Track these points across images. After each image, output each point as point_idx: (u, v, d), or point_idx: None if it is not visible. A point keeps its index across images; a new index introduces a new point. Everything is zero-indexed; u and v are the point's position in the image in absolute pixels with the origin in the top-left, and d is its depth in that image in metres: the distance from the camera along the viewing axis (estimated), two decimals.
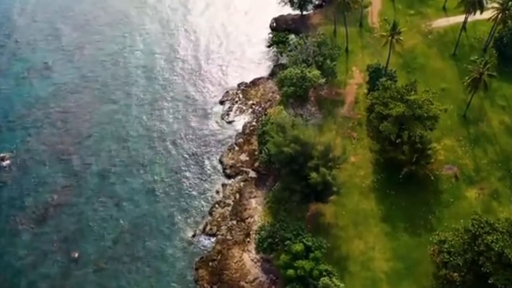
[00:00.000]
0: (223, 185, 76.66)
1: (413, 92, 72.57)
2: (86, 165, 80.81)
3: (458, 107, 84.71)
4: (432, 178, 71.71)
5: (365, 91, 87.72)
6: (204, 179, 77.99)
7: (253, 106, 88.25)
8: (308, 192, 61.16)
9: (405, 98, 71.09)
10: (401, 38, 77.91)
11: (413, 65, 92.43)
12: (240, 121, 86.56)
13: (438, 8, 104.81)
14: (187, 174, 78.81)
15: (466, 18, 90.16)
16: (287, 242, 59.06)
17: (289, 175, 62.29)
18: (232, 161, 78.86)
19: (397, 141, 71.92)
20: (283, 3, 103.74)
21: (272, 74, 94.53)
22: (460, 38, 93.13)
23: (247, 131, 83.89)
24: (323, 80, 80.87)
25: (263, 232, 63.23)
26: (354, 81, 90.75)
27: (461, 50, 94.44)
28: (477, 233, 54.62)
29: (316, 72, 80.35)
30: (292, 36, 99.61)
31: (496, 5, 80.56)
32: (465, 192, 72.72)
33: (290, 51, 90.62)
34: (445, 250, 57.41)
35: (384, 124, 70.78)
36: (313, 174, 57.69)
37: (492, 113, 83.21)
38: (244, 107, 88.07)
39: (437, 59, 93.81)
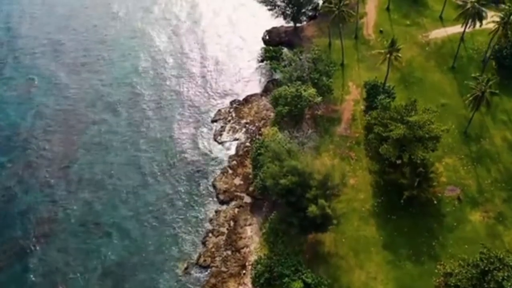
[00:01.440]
0: (217, 212, 73.01)
1: (413, 112, 69.48)
2: (71, 192, 76.77)
3: (459, 123, 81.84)
4: (435, 201, 68.78)
5: (362, 107, 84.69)
6: (196, 206, 74.21)
7: (247, 125, 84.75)
8: (306, 225, 57.83)
9: (406, 119, 67.99)
10: (399, 55, 74.81)
11: (411, 79, 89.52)
12: (233, 141, 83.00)
13: (434, 18, 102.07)
14: (179, 201, 74.97)
15: (464, 31, 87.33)
16: (286, 279, 55.71)
17: (286, 206, 58.96)
18: (226, 186, 75.28)
19: (397, 162, 69.01)
20: (275, 15, 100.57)
21: (266, 91, 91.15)
22: (459, 50, 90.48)
23: (240, 152, 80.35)
24: (319, 99, 77.64)
25: (259, 266, 59.81)
26: (351, 97, 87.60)
27: (459, 62, 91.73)
28: (487, 268, 51.60)
29: (312, 91, 77.08)
30: (286, 50, 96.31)
31: (496, 18, 77.73)
32: (469, 215, 69.77)
33: (284, 66, 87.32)
34: (452, 284, 54.31)
35: (384, 147, 67.63)
36: (312, 208, 54.43)
37: (494, 129, 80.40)
38: (237, 127, 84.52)
39: (436, 72, 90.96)
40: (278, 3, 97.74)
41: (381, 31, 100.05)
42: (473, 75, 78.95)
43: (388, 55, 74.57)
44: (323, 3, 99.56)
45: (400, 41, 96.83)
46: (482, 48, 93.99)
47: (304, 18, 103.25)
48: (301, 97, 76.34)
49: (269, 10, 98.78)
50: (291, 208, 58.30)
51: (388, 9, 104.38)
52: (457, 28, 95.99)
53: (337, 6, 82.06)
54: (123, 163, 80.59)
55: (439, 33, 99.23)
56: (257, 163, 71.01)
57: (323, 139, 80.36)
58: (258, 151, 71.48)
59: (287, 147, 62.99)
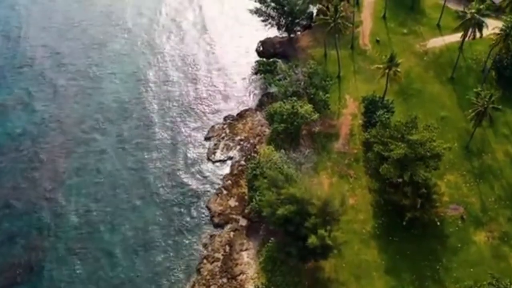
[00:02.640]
0: (211, 236, 70.02)
1: (414, 130, 66.92)
2: (60, 217, 73.51)
3: (459, 137, 79.39)
4: (438, 223, 66.25)
5: (360, 121, 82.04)
6: (189, 230, 71.14)
7: (241, 142, 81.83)
8: (305, 254, 55.11)
9: (406, 138, 65.43)
10: (398, 70, 72.19)
11: (410, 91, 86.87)
12: (228, 160, 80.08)
13: (432, 26, 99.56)
14: (171, 225, 71.90)
15: (463, 42, 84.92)
16: None
17: (284, 235, 56.23)
18: (221, 208, 72.38)
19: (398, 180, 66.48)
20: (269, 26, 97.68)
21: (260, 105, 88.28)
22: (458, 61, 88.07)
23: (235, 171, 77.45)
24: (316, 116, 74.91)
25: None
26: (348, 111, 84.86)
27: (458, 73, 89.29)
28: None
29: (309, 107, 74.37)
30: (280, 62, 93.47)
31: (497, 31, 75.36)
32: (473, 236, 67.33)
33: (279, 80, 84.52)
34: None
35: (384, 167, 65.04)
36: (312, 239, 51.73)
37: (496, 144, 77.96)
38: (231, 144, 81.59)
39: (435, 84, 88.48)
40: (272, 13, 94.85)
41: (377, 41, 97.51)
42: (475, 90, 76.37)
43: (386, 70, 71.75)
44: (317, 14, 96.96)
45: (397, 50, 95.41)
46: (481, 57, 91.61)
47: (298, 28, 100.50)
48: (297, 114, 73.64)
49: (263, 21, 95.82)
50: (289, 237, 55.58)
51: (384, 17, 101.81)
52: (455, 37, 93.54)
53: (332, 18, 79.28)
54: (112, 186, 77.28)
55: (437, 41, 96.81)
56: (253, 185, 68.22)
57: (320, 156, 77.66)
58: (254, 172, 68.69)
59: (284, 172, 60.13)
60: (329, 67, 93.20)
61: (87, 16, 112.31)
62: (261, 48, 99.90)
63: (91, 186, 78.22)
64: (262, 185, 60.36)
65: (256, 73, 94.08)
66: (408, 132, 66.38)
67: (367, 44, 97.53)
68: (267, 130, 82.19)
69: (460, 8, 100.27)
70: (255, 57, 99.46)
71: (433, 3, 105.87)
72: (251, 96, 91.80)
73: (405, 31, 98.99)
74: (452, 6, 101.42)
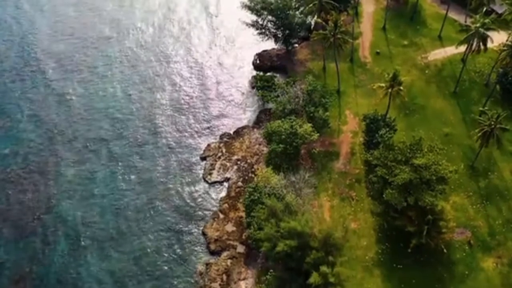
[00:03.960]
0: (207, 264, 66.61)
1: (419, 153, 63.99)
2: (48, 245, 70.05)
3: (464, 155, 76.71)
4: (444, 250, 63.33)
5: (361, 139, 79.15)
6: (184, 258, 67.58)
7: (238, 162, 78.62)
8: None
9: (411, 162, 62.53)
10: (401, 88, 69.29)
11: (412, 106, 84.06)
12: (224, 181, 76.83)
13: (433, 38, 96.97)
14: (165, 252, 68.36)
15: (467, 55, 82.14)
16: None
17: (284, 269, 53.25)
18: (217, 233, 69.15)
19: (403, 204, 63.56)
20: (265, 38, 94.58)
21: (258, 122, 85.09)
22: (461, 75, 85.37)
23: (232, 194, 74.28)
24: (316, 136, 71.91)
25: None
26: (348, 128, 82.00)
27: (461, 86, 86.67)
28: None
29: (308, 127, 71.35)
30: (278, 77, 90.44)
31: (504, 48, 72.63)
32: (481, 262, 64.50)
33: (277, 96, 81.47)
34: None
35: (388, 192, 62.09)
36: (314, 278, 48.74)
37: (502, 162, 75.30)
38: (228, 164, 78.39)
39: (437, 98, 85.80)
40: (269, 25, 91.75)
41: (377, 53, 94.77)
42: (481, 108, 73.68)
43: (389, 89, 68.83)
44: (315, 26, 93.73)
45: (398, 63, 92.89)
46: (484, 70, 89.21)
47: (296, 40, 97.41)
48: (296, 134, 70.60)
49: (259, 34, 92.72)
50: (289, 271, 52.59)
51: (384, 28, 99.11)
52: (457, 48, 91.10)
53: (332, 33, 76.32)
54: (103, 210, 73.75)
55: (438, 53, 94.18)
56: (251, 210, 65.17)
57: (320, 176, 74.72)
58: (251, 197, 65.65)
59: (284, 201, 57.12)
60: (328, 81, 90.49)
61: (61, 29, 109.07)
62: (257, 61, 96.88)
63: (82, 210, 74.55)
64: (260, 215, 57.29)
65: (253, 87, 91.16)
66: (413, 155, 63.49)
67: (367, 56, 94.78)
68: (265, 149, 79.05)
69: (462, 18, 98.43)
70: (251, 70, 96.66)
71: (433, 12, 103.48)
72: (248, 112, 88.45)
73: (405, 42, 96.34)
74: (453, 16, 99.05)
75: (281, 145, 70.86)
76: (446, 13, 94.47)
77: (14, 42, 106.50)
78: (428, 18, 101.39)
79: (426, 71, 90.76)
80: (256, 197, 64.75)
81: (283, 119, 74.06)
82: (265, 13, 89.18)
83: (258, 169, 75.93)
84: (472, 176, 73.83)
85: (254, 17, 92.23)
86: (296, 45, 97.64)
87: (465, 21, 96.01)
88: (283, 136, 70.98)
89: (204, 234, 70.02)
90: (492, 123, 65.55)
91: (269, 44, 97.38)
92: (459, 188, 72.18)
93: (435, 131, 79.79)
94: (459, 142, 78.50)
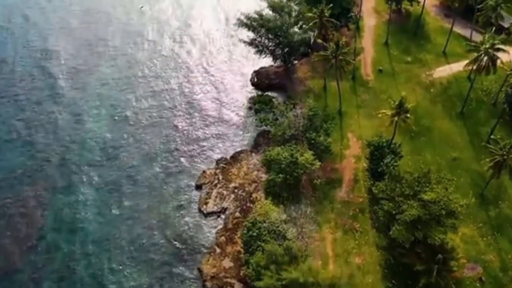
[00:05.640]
0: None
1: (427, 185, 60.19)
2: (35, 281, 65.89)
3: (473, 182, 72.96)
4: None
5: (364, 165, 75.39)
6: None
7: (236, 190, 74.71)
8: None
9: (419, 196, 58.79)
10: (408, 116, 65.50)
11: (417, 128, 79.88)
12: (221, 212, 72.79)
13: (438, 54, 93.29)
14: None
15: (475, 76, 78.38)
16: None
17: None
18: (214, 270, 65.20)
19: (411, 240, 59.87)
20: (263, 55, 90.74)
21: (256, 146, 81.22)
22: (466, 91, 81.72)
23: (229, 225, 70.36)
24: (318, 165, 68.09)
25: None
26: (351, 152, 78.12)
27: (468, 106, 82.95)
28: None
29: (310, 156, 67.51)
30: (276, 97, 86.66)
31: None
32: None
33: (275, 119, 77.66)
34: None
35: (396, 229, 58.38)
36: None
37: None
38: (225, 192, 74.46)
39: (444, 119, 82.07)
40: (267, 43, 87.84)
41: (380, 70, 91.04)
42: (492, 136, 69.99)
43: (395, 118, 65.03)
44: (314, 42, 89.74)
45: (402, 81, 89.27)
46: (491, 88, 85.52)
47: (295, 56, 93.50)
48: (297, 164, 66.80)
49: (257, 52, 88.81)
50: None
51: (386, 43, 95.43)
52: (463, 65, 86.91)
53: (333, 54, 72.51)
54: (93, 244, 69.62)
55: (443, 71, 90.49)
56: (249, 247, 61.36)
57: (322, 206, 70.90)
58: (250, 232, 61.79)
59: (284, 244, 53.33)
60: (329, 101, 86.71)
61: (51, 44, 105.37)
62: (255, 79, 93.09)
63: (71, 243, 70.56)
64: (259, 260, 53.48)
65: (250, 108, 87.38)
66: (421, 189, 59.72)
67: (369, 74, 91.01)
68: (263, 175, 75.14)
69: (467, 32, 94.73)
70: (249, 89, 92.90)
71: (437, 26, 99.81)
72: (246, 134, 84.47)
73: (409, 59, 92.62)
74: (458, 30, 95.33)
75: (280, 175, 67.10)
76: (451, 29, 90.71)
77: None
78: (432, 32, 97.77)
79: (431, 90, 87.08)
80: (255, 233, 60.91)
81: (282, 146, 70.27)
82: (263, 30, 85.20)
83: (256, 198, 72.24)
84: (482, 205, 70.11)
85: (251, 34, 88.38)
86: (296, 61, 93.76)
87: (471, 36, 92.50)
88: (283, 165, 67.22)
89: (199, 270, 66.02)
90: (505, 153, 61.83)
91: (268, 60, 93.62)
92: (468, 219, 68.31)
93: (442, 155, 76.17)
94: (467, 167, 74.80)
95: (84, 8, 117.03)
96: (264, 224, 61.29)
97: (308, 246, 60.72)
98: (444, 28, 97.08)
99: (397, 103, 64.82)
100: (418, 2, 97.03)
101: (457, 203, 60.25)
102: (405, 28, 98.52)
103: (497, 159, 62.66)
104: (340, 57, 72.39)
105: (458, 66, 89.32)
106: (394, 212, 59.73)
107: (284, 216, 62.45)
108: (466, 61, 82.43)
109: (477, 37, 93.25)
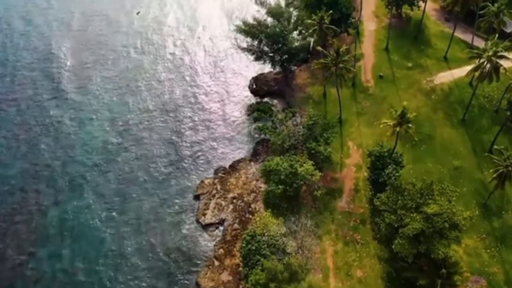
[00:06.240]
0: None
1: (430, 197, 58.87)
2: None
3: (476, 192, 71.68)
4: None
5: (365, 174, 74.05)
6: None
7: (234, 201, 73.29)
8: None
9: (422, 209, 57.47)
10: (410, 125, 64.14)
11: (418, 135, 78.26)
12: (219, 223, 71.37)
13: (439, 59, 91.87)
14: None
15: (477, 83, 76.99)
16: None
17: None
18: (212, 284, 63.78)
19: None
20: (262, 62, 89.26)
21: (255, 155, 79.80)
22: (468, 97, 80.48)
23: (228, 237, 68.92)
24: (318, 176, 66.73)
25: None
26: (352, 161, 76.76)
27: (470, 113, 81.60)
28: None
29: (310, 167, 66.19)
30: (276, 103, 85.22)
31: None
32: None
33: (275, 128, 76.28)
34: None
35: (398, 243, 57.07)
36: None
37: None
38: (223, 203, 73.03)
39: (445, 127, 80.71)
40: (266, 49, 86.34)
41: (380, 76, 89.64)
42: (496, 147, 68.66)
43: (397, 128, 63.67)
44: (313, 48, 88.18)
45: (403, 87, 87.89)
46: (493, 94, 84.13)
47: (294, 62, 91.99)
48: (296, 175, 65.43)
49: (256, 59, 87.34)
50: None
51: (386, 48, 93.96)
52: (464, 70, 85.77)
53: (333, 62, 71.09)
54: (87, 258, 68.21)
55: (445, 76, 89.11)
56: (248, 260, 59.97)
57: (322, 217, 69.57)
58: (249, 246, 60.39)
59: (285, 261, 51.97)
60: (329, 108, 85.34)
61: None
62: (254, 86, 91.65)
63: (65, 257, 69.01)
64: (259, 278, 52.08)
65: (249, 115, 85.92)
66: (424, 201, 58.42)
67: (369, 80, 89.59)
68: (262, 185, 73.72)
69: (468, 37, 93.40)
70: (247, 95, 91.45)
71: (437, 31, 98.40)
72: (244, 143, 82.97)
73: (410, 64, 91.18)
74: (459, 35, 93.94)
75: (280, 186, 65.80)
76: (453, 34, 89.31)
77: None
78: (433, 37, 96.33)
79: (432, 96, 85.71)
80: (254, 247, 59.53)
81: (282, 156, 68.90)
82: (262, 37, 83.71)
83: (255, 209, 70.92)
84: (485, 216, 68.90)
85: (249, 40, 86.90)
86: (295, 67, 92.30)
87: (472, 41, 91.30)
88: (282, 176, 65.85)
89: (197, 284, 64.65)
90: (509, 164, 60.54)
91: (266, 66, 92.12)
92: (472, 230, 66.91)
93: (444, 164, 74.88)
94: (469, 176, 73.49)
95: (83, 12, 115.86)
96: (263, 238, 59.99)
97: (309, 259, 59.17)
98: (445, 32, 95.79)
99: (398, 113, 63.38)
100: (419, 7, 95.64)
101: (461, 215, 59.03)
102: (406, 33, 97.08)
103: (501, 170, 61.35)
104: (341, 65, 70.92)
105: (459, 72, 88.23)
106: (396, 225, 58.48)
107: (283, 229, 61.13)
108: (468, 67, 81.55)
109: (479, 42, 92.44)
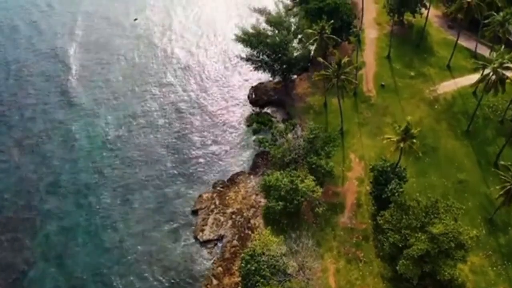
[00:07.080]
0: None
1: (435, 216, 57.05)
2: None
3: (481, 206, 69.74)
4: None
5: (368, 188, 72.18)
6: None
7: (233, 216, 71.32)
8: None
9: (427, 228, 55.65)
10: (415, 141, 62.30)
11: (422, 148, 75.93)
12: (218, 240, 69.47)
13: (441, 68, 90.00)
14: None
15: (482, 95, 75.14)
16: None
17: None
18: None
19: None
20: (261, 71, 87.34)
21: (254, 168, 77.70)
22: (472, 107, 78.69)
23: (227, 255, 66.99)
24: (320, 192, 64.83)
25: None
26: (354, 175, 74.84)
27: (474, 124, 79.66)
28: None
29: (311, 183, 64.24)
30: (276, 114, 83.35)
31: None
32: None
33: (274, 140, 74.37)
34: None
35: (402, 264, 55.32)
36: None
37: None
38: (222, 218, 71.07)
39: (449, 138, 78.79)
40: (266, 59, 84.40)
41: (382, 85, 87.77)
42: (502, 162, 66.80)
43: (401, 144, 61.78)
44: (313, 57, 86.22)
45: (405, 97, 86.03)
46: (498, 104, 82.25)
47: (295, 70, 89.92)
48: (297, 191, 63.55)
49: (255, 69, 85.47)
50: None
51: (388, 56, 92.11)
52: (468, 79, 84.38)
53: (335, 74, 69.20)
54: (83, 276, 66.07)
55: (448, 86, 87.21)
56: (248, 281, 58.07)
57: (324, 233, 67.70)
58: (248, 266, 58.44)
59: (286, 286, 50.16)
60: (330, 118, 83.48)
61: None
62: (253, 95, 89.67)
63: (60, 271, 67.16)
64: None
65: (248, 126, 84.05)
66: (429, 220, 56.61)
67: (371, 89, 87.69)
68: (262, 200, 71.72)
69: (471, 45, 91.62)
70: (247, 106, 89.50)
71: (440, 38, 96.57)
72: (243, 155, 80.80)
73: (412, 73, 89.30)
74: (462, 42, 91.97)
75: (280, 203, 63.88)
76: (456, 42, 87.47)
77: None
78: (435, 45, 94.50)
79: (436, 106, 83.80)
80: (253, 267, 57.58)
81: (282, 171, 66.97)
82: (261, 46, 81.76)
83: (255, 224, 69.05)
84: (491, 231, 67.01)
85: (248, 50, 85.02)
86: (295, 76, 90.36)
87: (476, 49, 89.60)
88: (283, 193, 63.97)
89: None
90: None
91: (266, 76, 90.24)
92: (477, 246, 64.96)
93: (448, 178, 72.97)
94: (474, 190, 71.57)
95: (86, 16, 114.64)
96: (263, 258, 58.00)
97: (310, 279, 57.27)
98: (448, 40, 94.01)
99: (402, 128, 61.50)
100: (421, 14, 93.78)
101: (467, 234, 57.25)
102: (408, 41, 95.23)
103: (508, 187, 59.49)
104: (342, 76, 69.05)
105: (462, 81, 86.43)
106: (400, 245, 56.69)
107: (284, 249, 59.15)
108: (471, 75, 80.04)
109: (483, 50, 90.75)
